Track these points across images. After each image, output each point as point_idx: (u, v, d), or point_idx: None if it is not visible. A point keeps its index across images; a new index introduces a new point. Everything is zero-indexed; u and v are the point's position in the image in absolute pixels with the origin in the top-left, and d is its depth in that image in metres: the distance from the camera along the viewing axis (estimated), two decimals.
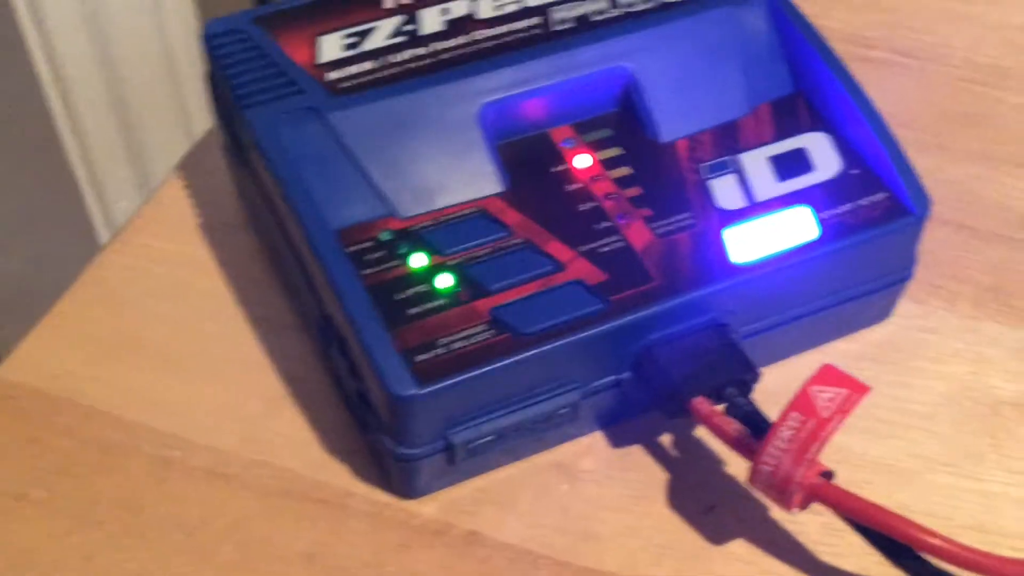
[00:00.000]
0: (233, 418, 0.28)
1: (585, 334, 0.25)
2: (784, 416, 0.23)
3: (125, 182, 0.50)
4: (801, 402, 0.23)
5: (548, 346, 0.25)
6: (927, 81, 0.38)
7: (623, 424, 0.28)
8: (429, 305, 0.25)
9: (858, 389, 0.22)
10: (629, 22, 0.30)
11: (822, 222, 0.27)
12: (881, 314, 0.30)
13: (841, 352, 0.30)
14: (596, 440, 0.28)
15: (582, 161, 0.29)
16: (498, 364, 0.24)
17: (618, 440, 0.28)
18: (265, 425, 0.28)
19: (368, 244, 0.26)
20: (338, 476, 0.27)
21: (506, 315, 0.25)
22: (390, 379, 0.24)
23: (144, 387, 0.29)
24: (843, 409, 0.22)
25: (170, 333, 0.30)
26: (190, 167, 0.35)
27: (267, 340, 0.30)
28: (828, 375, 0.23)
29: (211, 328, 0.30)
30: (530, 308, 0.25)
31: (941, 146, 0.36)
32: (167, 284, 0.31)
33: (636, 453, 0.28)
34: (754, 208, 0.28)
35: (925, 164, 0.36)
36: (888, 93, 0.38)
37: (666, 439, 0.28)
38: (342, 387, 0.27)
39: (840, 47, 0.39)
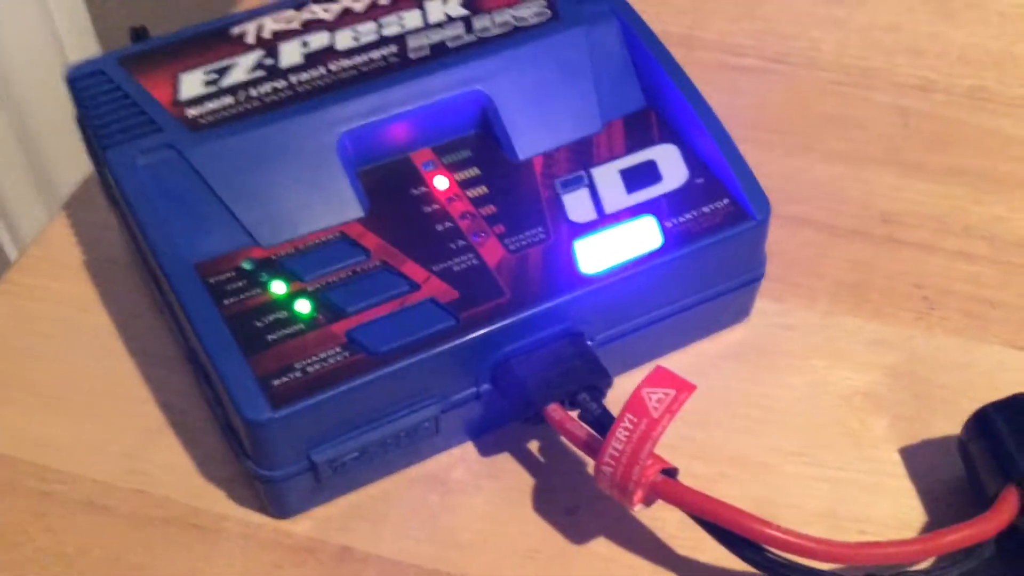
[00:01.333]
0: (114, 451, 0.29)
1: (437, 350, 0.26)
2: (620, 418, 0.24)
3: (35, 216, 0.51)
4: (634, 404, 0.24)
5: (401, 363, 0.26)
6: (797, 85, 0.39)
7: (493, 433, 0.29)
8: (287, 331, 0.26)
9: (684, 388, 0.24)
10: (484, 47, 0.31)
11: (665, 231, 0.28)
12: (739, 314, 0.31)
13: (702, 353, 0.31)
14: (467, 450, 0.29)
15: (441, 183, 0.30)
16: (352, 383, 0.25)
17: (487, 449, 0.29)
18: (145, 456, 0.29)
19: (228, 275, 0.27)
20: (215, 502, 0.28)
21: (360, 336, 0.26)
22: (245, 405, 0.25)
23: (27, 425, 0.30)
24: (671, 408, 0.23)
25: (53, 371, 0.31)
26: (78, 204, 0.36)
27: (149, 373, 0.31)
28: (659, 377, 0.24)
29: (94, 365, 0.31)
30: (384, 328, 0.26)
31: (809, 148, 0.37)
32: (51, 323, 0.32)
33: (504, 461, 0.29)
34: (604, 220, 0.29)
35: (792, 166, 0.37)
36: (759, 99, 0.39)
37: (533, 446, 0.29)
38: (214, 414, 0.28)
39: (714, 56, 0.40)
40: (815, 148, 0.37)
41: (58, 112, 0.49)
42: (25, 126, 0.48)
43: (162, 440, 0.29)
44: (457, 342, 0.26)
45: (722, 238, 0.28)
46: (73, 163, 0.51)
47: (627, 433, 0.24)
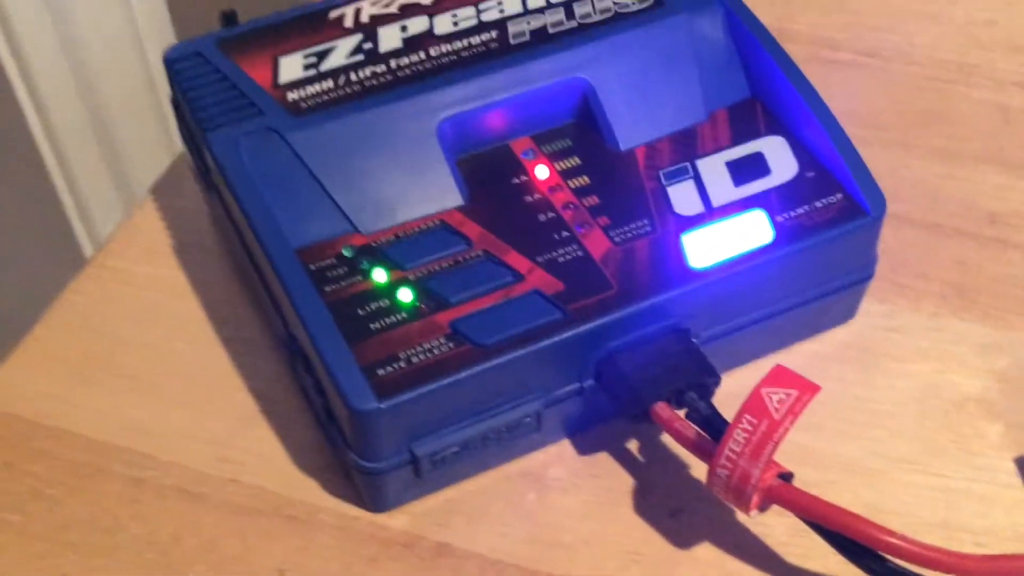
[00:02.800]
0: (205, 438, 0.29)
1: (544, 343, 0.25)
2: (737, 419, 0.23)
3: (110, 203, 0.51)
4: (753, 404, 0.23)
5: (507, 356, 0.25)
6: (891, 80, 0.38)
7: (591, 431, 0.28)
8: (390, 319, 0.26)
9: (808, 389, 0.23)
10: (585, 33, 0.30)
11: (777, 225, 0.27)
12: (846, 314, 0.30)
13: (807, 353, 0.30)
14: (564, 448, 0.28)
15: (541, 172, 0.29)
16: (458, 376, 0.25)
17: (586, 447, 0.28)
18: (236, 444, 0.29)
19: (329, 261, 0.27)
20: (308, 492, 0.27)
21: (465, 327, 0.25)
22: (351, 394, 0.24)
23: (117, 409, 0.29)
24: (794, 410, 0.22)
25: (143, 355, 0.31)
26: (165, 188, 0.35)
27: (239, 360, 0.30)
28: (780, 376, 0.23)
29: (184, 349, 0.31)
30: (489, 319, 0.26)
31: (906, 144, 0.36)
32: (141, 307, 0.32)
33: (603, 459, 0.28)
34: (712, 213, 0.28)
35: (889, 163, 0.36)
36: (853, 93, 0.38)
37: (633, 444, 0.28)
38: (311, 404, 0.28)
39: (806, 49, 0.39)
40: (913, 145, 0.36)
41: (133, 99, 0.49)
42: (100, 116, 0.48)
43: (254, 428, 0.29)
44: (564, 336, 0.25)
45: (836, 234, 0.27)
46: (148, 151, 0.51)
47: (745, 435, 0.23)
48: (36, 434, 0.29)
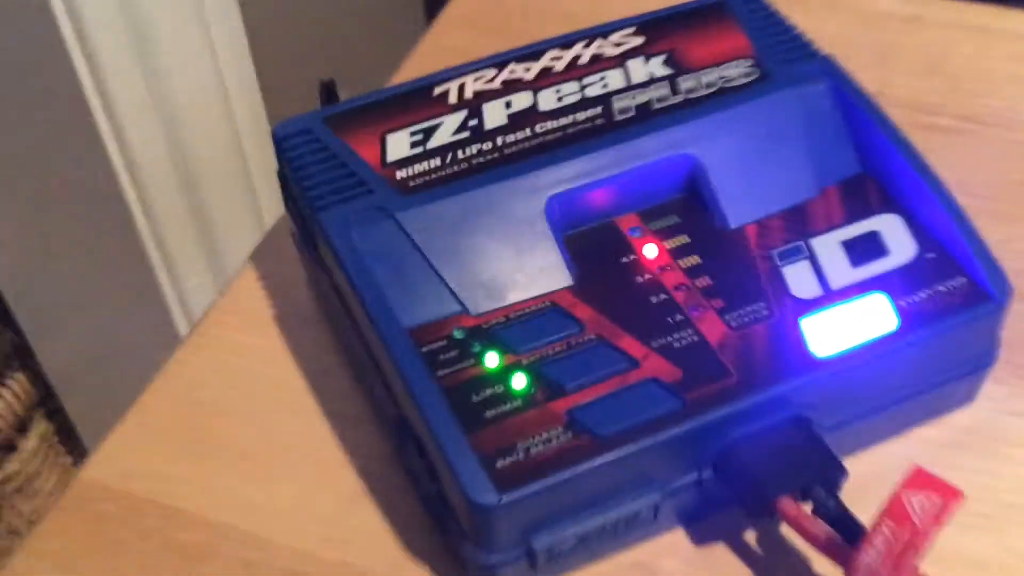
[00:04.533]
0: (311, 517, 0.28)
1: (665, 435, 0.25)
2: (878, 524, 0.22)
3: (198, 266, 0.51)
4: (894, 509, 0.22)
5: (629, 449, 0.24)
6: (995, 147, 0.37)
7: (705, 521, 0.27)
8: (505, 407, 0.25)
9: (952, 495, 0.22)
10: (691, 108, 0.30)
11: (900, 310, 0.27)
12: (966, 397, 0.29)
13: (927, 439, 0.29)
14: (677, 538, 0.27)
15: (650, 251, 0.29)
16: (579, 468, 0.24)
17: (700, 538, 0.27)
18: (343, 524, 0.28)
19: (441, 343, 0.26)
20: (417, 575, 0.27)
21: (584, 416, 0.25)
22: (471, 487, 0.24)
23: (224, 485, 0.29)
24: (939, 519, 0.21)
25: (248, 429, 0.30)
26: (263, 256, 0.35)
27: (342, 435, 0.30)
28: (919, 479, 0.22)
29: (287, 423, 0.31)
30: (607, 408, 0.25)
31: (1014, 216, 0.35)
32: (244, 378, 0.32)
33: (718, 552, 0.27)
34: (830, 296, 0.27)
35: (998, 235, 0.35)
36: (955, 162, 0.37)
37: (749, 536, 0.27)
38: (418, 485, 0.27)
39: (903, 114, 0.38)
40: (1022, 217, 0.35)
41: (223, 169, 0.50)
42: (193, 185, 0.49)
43: (360, 507, 0.28)
44: (685, 427, 0.25)
45: (962, 320, 0.26)
46: (238, 220, 0.51)
47: (886, 542, 0.22)
48: (145, 510, 0.29)
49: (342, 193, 0.28)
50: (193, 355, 0.32)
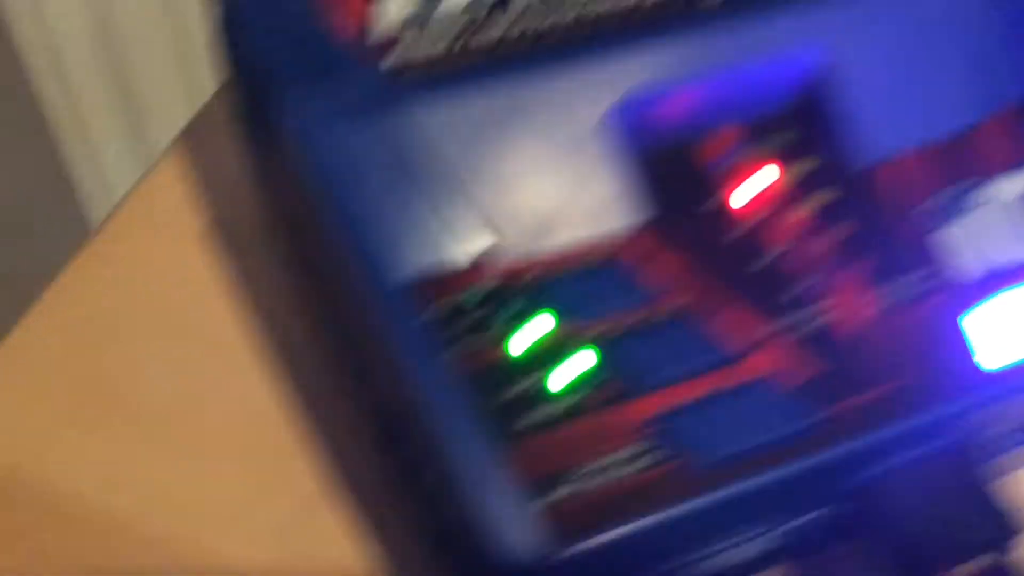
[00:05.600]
0: (263, 524, 0.20)
1: (788, 464, 0.17)
2: None
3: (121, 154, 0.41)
4: None
5: (740, 484, 0.17)
6: None
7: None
8: (554, 408, 0.17)
9: None
10: None
11: None
12: None
13: None
14: None
15: (755, 187, 0.20)
16: (669, 512, 0.16)
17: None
18: (294, 532, 0.20)
19: (454, 307, 0.18)
20: None
21: (673, 430, 0.17)
22: (508, 535, 0.16)
23: (123, 466, 0.20)
24: None
25: (155, 386, 0.21)
26: (190, 145, 0.25)
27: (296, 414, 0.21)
28: None
29: (211, 384, 0.21)
30: (705, 420, 0.17)
31: None
32: (154, 309, 0.22)
33: None
34: (1001, 278, 0.20)
35: None
36: None
37: None
38: (415, 513, 0.19)
39: None
40: None
41: (156, 53, 0.39)
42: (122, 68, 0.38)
43: (317, 514, 0.20)
44: (815, 455, 0.17)
45: None
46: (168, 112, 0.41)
47: None
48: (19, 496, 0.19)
49: (313, 73, 0.19)
50: (90, 273, 0.23)
